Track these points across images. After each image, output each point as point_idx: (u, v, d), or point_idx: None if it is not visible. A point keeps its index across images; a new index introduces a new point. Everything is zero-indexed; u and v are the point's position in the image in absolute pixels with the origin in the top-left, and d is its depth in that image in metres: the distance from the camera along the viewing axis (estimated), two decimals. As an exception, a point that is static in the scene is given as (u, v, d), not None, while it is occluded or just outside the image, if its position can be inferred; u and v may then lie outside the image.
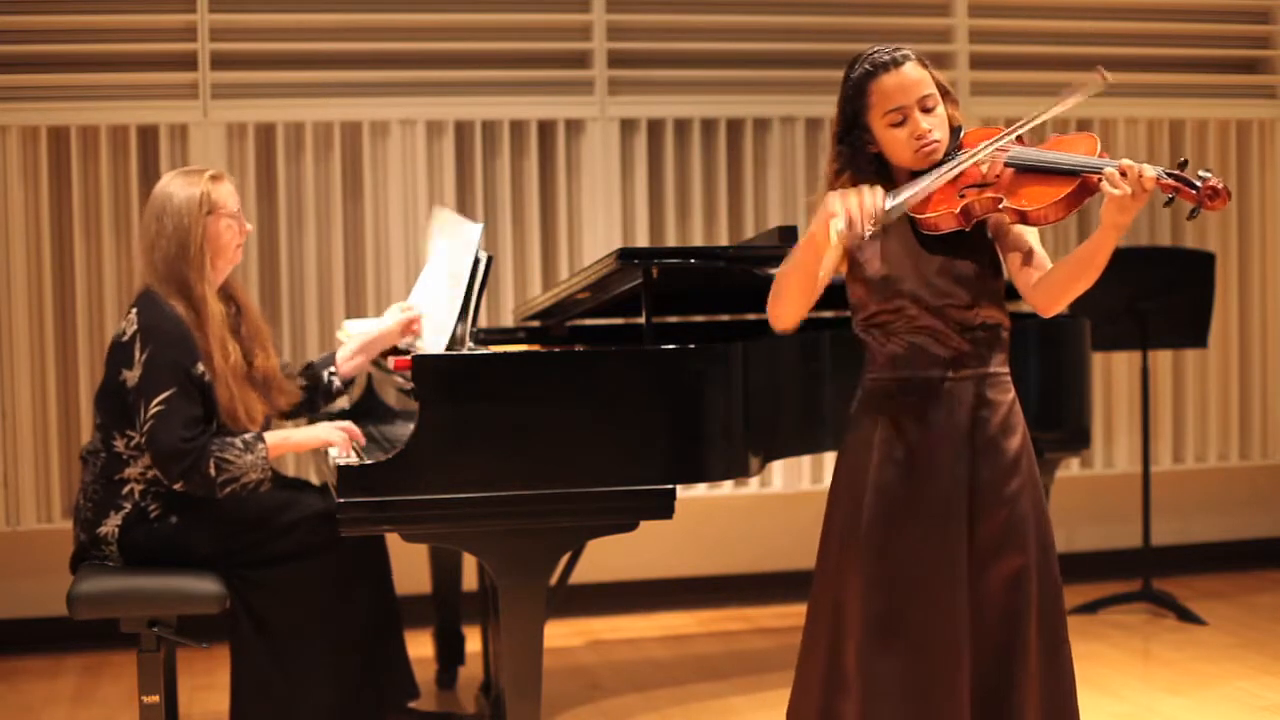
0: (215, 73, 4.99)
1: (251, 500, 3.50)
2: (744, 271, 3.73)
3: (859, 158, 2.67)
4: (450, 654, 4.43)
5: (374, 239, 5.11)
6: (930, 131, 2.62)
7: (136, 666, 3.36)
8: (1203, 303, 5.14)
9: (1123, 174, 2.43)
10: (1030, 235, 2.66)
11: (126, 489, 3.48)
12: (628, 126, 5.29)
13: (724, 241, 5.30)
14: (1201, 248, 5.55)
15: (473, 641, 4.49)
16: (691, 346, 3.28)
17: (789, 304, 2.63)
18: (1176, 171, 2.45)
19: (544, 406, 3.18)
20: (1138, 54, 5.68)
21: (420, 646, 4.17)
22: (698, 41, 5.34)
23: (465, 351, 3.44)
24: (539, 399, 3.18)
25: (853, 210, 2.46)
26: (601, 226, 5.25)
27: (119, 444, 3.49)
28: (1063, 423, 4.23)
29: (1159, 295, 5.04)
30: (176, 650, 3.60)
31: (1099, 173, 2.47)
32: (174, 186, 3.54)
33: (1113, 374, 5.65)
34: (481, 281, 3.54)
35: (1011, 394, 2.70)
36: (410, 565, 4.26)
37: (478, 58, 5.22)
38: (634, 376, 3.25)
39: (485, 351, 3.46)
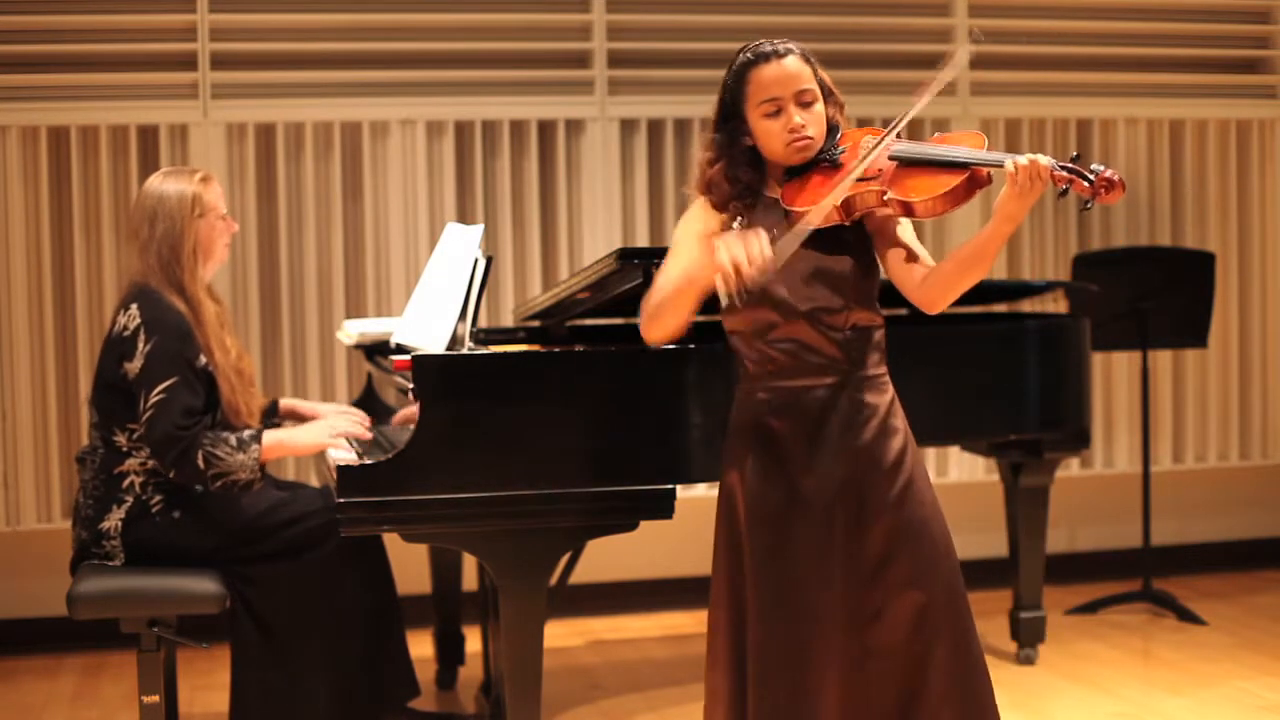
0: (215, 73, 4.99)
1: (252, 497, 3.52)
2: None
3: (734, 148, 2.64)
4: (450, 654, 4.44)
5: (374, 239, 5.11)
6: (804, 127, 2.59)
7: (136, 666, 3.36)
8: (1203, 303, 5.13)
9: (1017, 165, 2.41)
10: (908, 233, 2.62)
11: (127, 482, 3.48)
12: (628, 126, 5.29)
13: (724, 241, 5.29)
14: (1201, 248, 5.55)
15: (473, 641, 4.49)
16: (691, 346, 3.27)
17: (667, 330, 2.59)
18: (1070, 164, 2.45)
19: (544, 406, 3.18)
20: (1138, 54, 5.68)
21: (420, 646, 4.17)
22: (698, 41, 5.34)
23: (465, 351, 3.44)
24: (539, 399, 3.18)
25: (741, 264, 2.36)
26: (601, 226, 5.24)
27: (120, 438, 3.49)
28: (1063, 423, 4.23)
29: (1159, 295, 5.04)
30: (176, 650, 3.61)
31: (990, 165, 2.45)
32: (164, 188, 3.55)
33: (1113, 374, 5.65)
34: (481, 281, 3.54)
35: (889, 395, 2.65)
36: (410, 565, 4.26)
37: (478, 58, 5.22)
38: (634, 376, 3.25)
39: (485, 351, 3.46)
